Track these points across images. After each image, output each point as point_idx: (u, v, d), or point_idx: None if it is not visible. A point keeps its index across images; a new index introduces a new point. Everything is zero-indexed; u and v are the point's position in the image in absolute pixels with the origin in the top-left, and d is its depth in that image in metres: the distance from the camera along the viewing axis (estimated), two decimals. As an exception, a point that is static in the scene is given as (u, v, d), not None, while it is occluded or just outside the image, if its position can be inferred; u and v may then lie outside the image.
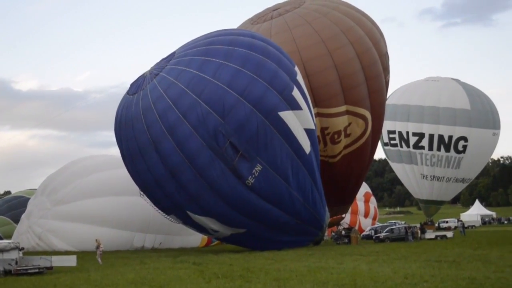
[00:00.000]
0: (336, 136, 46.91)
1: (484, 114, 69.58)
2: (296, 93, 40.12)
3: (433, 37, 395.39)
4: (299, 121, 39.99)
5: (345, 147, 47.64)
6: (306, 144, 40.69)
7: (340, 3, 50.97)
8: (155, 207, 42.03)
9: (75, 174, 52.34)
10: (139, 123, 37.86)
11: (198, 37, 42.11)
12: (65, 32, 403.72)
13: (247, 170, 37.72)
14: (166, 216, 42.37)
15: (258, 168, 38.03)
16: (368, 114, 47.40)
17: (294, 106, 39.69)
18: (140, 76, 40.70)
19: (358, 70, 46.53)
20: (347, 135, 47.08)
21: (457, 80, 73.63)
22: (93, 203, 49.68)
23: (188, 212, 39.02)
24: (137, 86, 39.84)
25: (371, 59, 47.52)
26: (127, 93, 40.59)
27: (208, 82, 37.35)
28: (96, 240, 38.96)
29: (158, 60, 41.21)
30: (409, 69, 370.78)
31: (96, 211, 49.49)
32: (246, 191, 38.16)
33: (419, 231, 59.18)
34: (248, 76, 38.12)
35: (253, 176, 37.91)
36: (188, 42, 41.95)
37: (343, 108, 46.25)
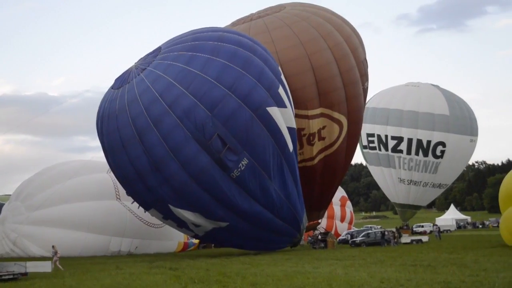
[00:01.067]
0: (311, 137, 46.96)
1: (462, 120, 70.12)
2: (281, 91, 40.48)
3: (409, 43, 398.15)
4: (284, 119, 40.25)
5: (320, 151, 47.67)
6: (289, 142, 40.99)
7: (320, 9, 51.15)
8: (134, 203, 41.89)
9: (51, 179, 52.06)
10: (123, 115, 37.54)
11: (184, 33, 42.14)
12: (41, 37, 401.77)
13: (234, 163, 37.61)
14: (146, 211, 42.19)
15: (245, 162, 38.00)
16: (344, 119, 47.51)
17: (280, 103, 39.98)
18: (125, 71, 40.51)
19: (335, 74, 46.65)
20: (321, 138, 47.11)
21: (437, 86, 74.16)
22: (69, 208, 49.44)
23: (170, 206, 38.67)
24: (122, 80, 39.63)
25: (348, 64, 47.67)
26: (112, 87, 40.30)
27: (196, 76, 37.32)
28: (53, 246, 38.66)
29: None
30: (385, 73, 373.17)
31: (72, 216, 49.27)
32: (231, 183, 38.05)
33: (398, 235, 59.52)
34: (236, 71, 38.23)
35: (239, 169, 37.84)
36: (174, 38, 41.92)
37: (318, 110, 46.33)
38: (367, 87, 50.63)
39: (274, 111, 39.27)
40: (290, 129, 41.11)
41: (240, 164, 37.84)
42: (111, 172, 53.54)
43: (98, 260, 42.84)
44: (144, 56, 41.19)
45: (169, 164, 36.90)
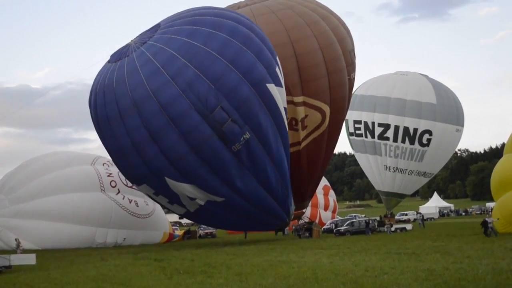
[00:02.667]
0: (293, 122, 46.89)
1: (449, 109, 70.36)
2: (278, 70, 40.73)
3: (391, 32, 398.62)
4: (281, 98, 40.59)
5: (303, 139, 47.68)
6: (285, 122, 41.40)
7: (308, 0, 51.11)
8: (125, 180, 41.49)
9: (34, 171, 51.73)
10: (122, 85, 37.22)
11: (182, 10, 42.04)
12: (23, 28, 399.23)
13: (236, 135, 37.58)
14: (136, 187, 41.90)
15: (247, 136, 38.00)
16: (326, 108, 47.47)
17: (277, 82, 40.17)
18: (123, 46, 40.21)
19: (319, 62, 46.57)
20: (304, 127, 47.15)
21: (426, 76, 74.37)
22: (53, 200, 49.19)
23: (166, 179, 38.27)
24: (120, 54, 39.35)
25: (334, 53, 47.58)
26: (108, 62, 40.04)
27: (199, 48, 37.20)
28: (15, 239, 38.46)
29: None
30: (368, 63, 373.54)
31: (56, 208, 49.01)
32: (231, 157, 38.03)
33: (390, 223, 59.89)
34: (237, 46, 38.25)
35: (241, 143, 37.83)
36: (173, 15, 41.82)
37: (300, 99, 46.33)
38: (354, 78, 50.55)
39: (273, 88, 39.46)
40: (285, 109, 41.52)
41: (242, 138, 37.81)
42: (95, 164, 53.67)
43: (83, 252, 42.76)
44: (142, 33, 40.95)
45: (168, 134, 36.67)
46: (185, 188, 38.84)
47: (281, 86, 40.82)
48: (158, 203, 44.31)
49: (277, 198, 42.40)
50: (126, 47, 39.54)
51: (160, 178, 38.50)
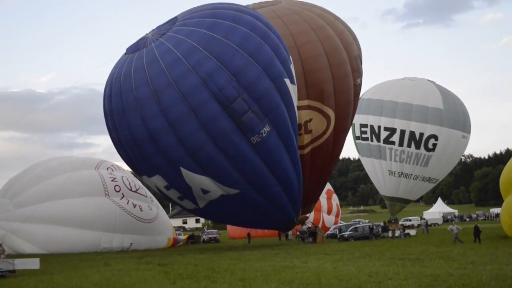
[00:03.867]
0: (298, 128, 46.96)
1: (456, 115, 70.09)
2: (292, 67, 41.17)
3: (396, 37, 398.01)
4: (295, 95, 41.07)
5: (308, 144, 47.64)
6: (297, 119, 41.83)
7: (314, 6, 51.20)
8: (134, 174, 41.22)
9: (39, 176, 51.85)
10: (141, 73, 37.31)
11: (199, 5, 42.31)
12: (29, 33, 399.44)
13: (256, 126, 37.72)
14: (147, 179, 41.36)
15: (267, 129, 38.17)
16: (331, 113, 47.46)
17: (291, 79, 40.68)
18: (140, 39, 40.36)
19: (324, 67, 46.58)
20: (308, 131, 47.06)
21: (433, 82, 74.19)
22: (57, 205, 49.15)
23: (182, 169, 38.11)
24: (137, 45, 39.53)
25: (339, 58, 47.55)
26: (125, 54, 40.21)
27: (220, 41, 37.48)
28: (0, 244, 38.17)
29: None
30: (373, 68, 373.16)
31: (61, 212, 48.97)
32: (249, 148, 38.10)
33: (403, 228, 59.96)
34: (257, 40, 38.59)
35: (261, 135, 37.95)
36: (190, 9, 42.15)
37: (305, 102, 46.36)
38: (360, 84, 50.43)
39: (289, 84, 39.87)
40: (296, 108, 41.86)
41: (262, 131, 37.98)
42: (99, 169, 53.65)
43: (87, 257, 42.75)
44: (159, 26, 41.08)
45: (188, 122, 36.67)
46: (200, 181, 38.70)
47: (294, 83, 41.20)
48: (168, 199, 43.87)
49: (291, 195, 42.46)
50: (143, 39, 39.72)
51: (176, 168, 38.30)
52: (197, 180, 38.71)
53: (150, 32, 40.31)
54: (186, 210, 48.13)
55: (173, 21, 40.44)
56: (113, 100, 38.91)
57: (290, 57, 41.86)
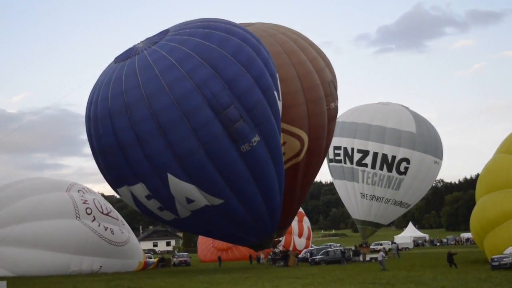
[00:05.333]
0: None
1: (428, 139, 70.71)
2: (278, 83, 41.62)
3: (368, 62, 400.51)
4: (280, 109, 41.47)
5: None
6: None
7: (289, 30, 51.49)
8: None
9: (8, 198, 51.16)
10: (132, 79, 37.12)
11: (189, 20, 42.63)
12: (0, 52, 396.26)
13: (247, 136, 37.77)
14: (128, 188, 40.11)
15: (257, 138, 38.24)
16: (304, 136, 47.56)
17: (278, 94, 41.15)
18: (129, 48, 40.33)
19: (297, 90, 46.72)
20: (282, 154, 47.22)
21: (407, 108, 74.93)
22: (28, 227, 48.49)
23: (169, 175, 37.57)
24: (128, 54, 39.45)
25: (311, 82, 47.70)
26: (114, 62, 40.10)
27: (214, 50, 37.74)
28: None
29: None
30: (346, 92, 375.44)
31: (30, 234, 48.33)
32: (238, 157, 38.05)
33: (365, 251, 60.06)
34: (250, 51, 39.01)
35: (251, 144, 37.96)
36: (181, 23, 42.33)
37: (278, 125, 46.62)
38: (335, 108, 50.51)
39: (277, 97, 40.41)
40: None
41: (253, 140, 38.04)
42: (70, 191, 53.10)
43: (55, 280, 42.27)
44: (149, 37, 41.06)
45: (179, 127, 36.49)
46: (185, 189, 38.25)
47: (280, 99, 41.50)
48: (145, 210, 42.52)
49: (271, 209, 42.46)
50: (133, 49, 39.70)
51: (162, 174, 37.78)
52: (183, 188, 38.23)
53: (140, 42, 40.26)
54: (162, 222, 47.72)
55: (164, 33, 40.60)
56: (100, 105, 38.43)
57: (277, 74, 42.21)
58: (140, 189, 39.46)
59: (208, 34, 38.81)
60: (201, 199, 38.91)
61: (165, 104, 36.44)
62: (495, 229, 42.77)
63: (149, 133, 36.75)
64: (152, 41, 39.54)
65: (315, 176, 53.69)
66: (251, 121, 37.90)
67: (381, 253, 47.04)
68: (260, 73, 38.92)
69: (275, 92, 40.26)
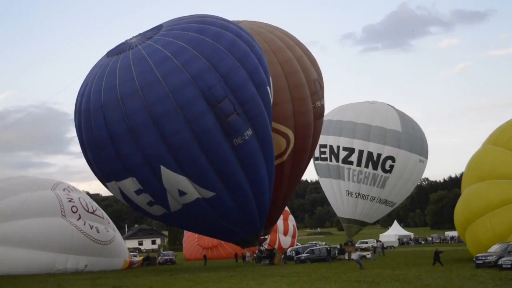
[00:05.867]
0: None
1: (413, 138, 70.87)
2: (271, 80, 41.78)
3: (354, 61, 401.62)
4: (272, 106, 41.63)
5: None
6: None
7: (276, 29, 51.59)
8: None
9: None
10: (126, 71, 37.09)
11: (183, 16, 42.64)
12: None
13: (240, 129, 37.92)
14: (116, 183, 39.89)
15: (250, 132, 38.40)
16: (290, 133, 47.67)
17: (271, 90, 41.38)
18: (121, 43, 40.30)
19: (283, 88, 46.84)
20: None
21: (393, 107, 75.09)
22: (12, 226, 48.16)
23: (162, 167, 37.44)
24: (121, 48, 39.43)
25: (297, 81, 47.86)
26: (106, 55, 40.05)
27: (209, 43, 37.82)
28: None
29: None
30: (332, 91, 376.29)
31: (15, 233, 47.99)
32: (230, 150, 38.14)
33: (350, 250, 60.25)
34: (244, 47, 39.17)
35: (243, 138, 38.10)
36: (174, 18, 42.26)
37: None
38: (321, 106, 50.61)
39: (270, 93, 40.58)
40: None
41: (245, 133, 38.19)
42: (56, 189, 52.84)
43: (40, 278, 42.09)
44: (143, 32, 41.01)
45: (174, 119, 36.45)
46: (178, 181, 38.17)
47: (271, 96, 41.73)
48: (134, 206, 42.53)
49: (259, 205, 42.58)
50: (127, 43, 39.71)
51: (155, 167, 37.65)
52: (176, 180, 38.15)
53: (133, 37, 40.25)
54: (151, 218, 47.51)
55: (158, 28, 40.61)
56: (92, 98, 38.19)
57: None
58: (129, 184, 39.34)
59: (203, 28, 38.86)
60: (193, 191, 38.89)
61: (159, 96, 36.40)
62: (478, 219, 43.41)
63: (142, 125, 36.63)
64: (146, 36, 39.52)
65: (301, 175, 53.85)
66: (244, 115, 38.02)
67: (358, 252, 47.26)
68: (254, 68, 39.10)
69: (268, 88, 40.47)
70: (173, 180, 38.13)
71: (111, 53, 39.99)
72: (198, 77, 36.72)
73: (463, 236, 46.24)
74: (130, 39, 40.35)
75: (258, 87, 38.97)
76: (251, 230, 45.06)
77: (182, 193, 38.99)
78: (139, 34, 40.86)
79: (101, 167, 40.50)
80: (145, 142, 36.93)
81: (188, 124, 36.63)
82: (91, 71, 40.44)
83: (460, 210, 46.18)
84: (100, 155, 39.23)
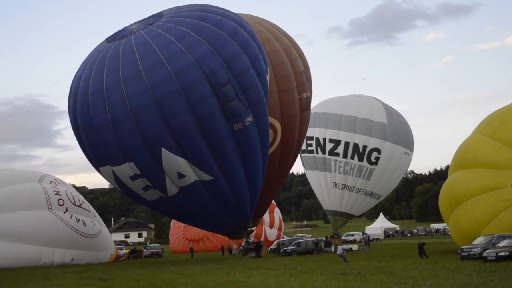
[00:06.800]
0: None
1: (399, 131, 71.09)
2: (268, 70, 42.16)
3: (341, 54, 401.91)
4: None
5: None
6: None
7: (264, 21, 51.76)
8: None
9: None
10: (129, 54, 37.14)
11: (183, 5, 42.72)
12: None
13: (241, 115, 38.23)
14: (118, 166, 39.46)
15: (250, 118, 38.72)
16: (277, 124, 47.70)
17: (268, 79, 41.92)
18: (121, 29, 40.37)
19: (271, 79, 46.93)
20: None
21: (379, 100, 75.30)
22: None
23: (163, 149, 37.44)
24: (122, 34, 39.50)
25: (284, 72, 48.03)
26: (106, 41, 40.06)
27: (212, 29, 38.01)
28: None
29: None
30: (321, 83, 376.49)
31: (2, 226, 47.76)
32: (230, 135, 38.43)
33: (336, 242, 60.52)
34: (245, 35, 39.46)
35: (244, 123, 38.40)
36: (174, 7, 42.41)
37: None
38: (307, 98, 50.73)
39: (268, 82, 41.02)
40: None
41: (246, 120, 38.49)
42: (42, 182, 52.55)
43: (26, 271, 41.93)
44: (143, 19, 41.05)
45: (176, 101, 36.51)
46: (178, 163, 38.21)
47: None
48: (128, 192, 42.48)
49: (252, 194, 42.85)
50: (127, 29, 39.74)
51: (156, 149, 37.61)
52: (175, 163, 38.19)
53: (133, 24, 40.26)
54: (144, 204, 47.45)
55: (159, 15, 40.63)
56: (92, 82, 38.03)
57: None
58: (125, 170, 39.29)
59: (205, 16, 39.06)
60: (191, 174, 39.02)
61: (162, 77, 36.48)
62: (460, 205, 44.21)
63: (144, 107, 36.66)
64: (147, 23, 39.52)
65: (289, 168, 53.95)
66: (246, 101, 38.29)
67: (340, 246, 47.58)
68: (256, 56, 39.39)
69: (267, 77, 40.94)
70: (173, 162, 38.18)
71: (111, 39, 39.93)
72: (202, 61, 36.87)
73: (447, 220, 47.02)
74: (130, 25, 40.31)
75: (259, 75, 39.37)
76: (240, 220, 45.16)
77: (181, 175, 39.02)
78: (139, 21, 40.86)
79: (96, 151, 40.26)
80: (146, 124, 36.94)
81: (190, 107, 36.76)
82: (89, 55, 40.32)
83: (444, 194, 46.97)
84: (96, 139, 38.99)
